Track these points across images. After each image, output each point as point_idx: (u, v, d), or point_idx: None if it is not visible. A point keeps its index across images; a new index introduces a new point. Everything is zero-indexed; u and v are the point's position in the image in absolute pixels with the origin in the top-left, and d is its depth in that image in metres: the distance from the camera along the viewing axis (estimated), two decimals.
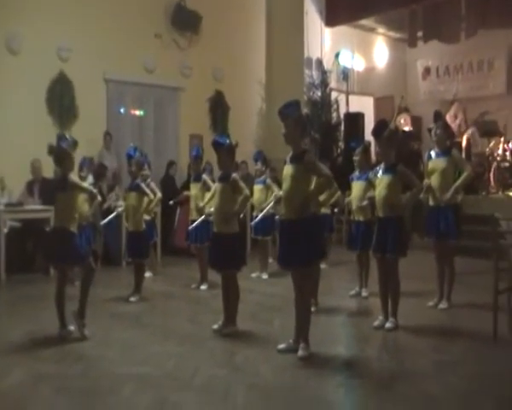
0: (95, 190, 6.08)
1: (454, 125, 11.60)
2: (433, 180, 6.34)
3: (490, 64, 14.81)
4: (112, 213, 8.31)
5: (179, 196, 8.57)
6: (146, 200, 7.24)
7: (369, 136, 12.36)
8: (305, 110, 11.60)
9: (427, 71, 15.92)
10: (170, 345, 5.24)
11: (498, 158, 11.15)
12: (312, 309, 5.65)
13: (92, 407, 3.97)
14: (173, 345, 5.24)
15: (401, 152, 5.85)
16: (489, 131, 11.53)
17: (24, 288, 7.88)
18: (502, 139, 11.36)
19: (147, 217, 7.73)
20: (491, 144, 11.51)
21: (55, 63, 10.31)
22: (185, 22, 11.90)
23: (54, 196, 5.57)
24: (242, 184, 5.63)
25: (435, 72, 15.80)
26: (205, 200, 7.54)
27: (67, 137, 5.68)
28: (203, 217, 7.35)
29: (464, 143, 11.83)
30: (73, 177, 5.60)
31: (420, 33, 14.73)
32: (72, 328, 5.48)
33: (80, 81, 10.47)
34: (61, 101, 10.37)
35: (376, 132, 5.72)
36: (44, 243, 6.86)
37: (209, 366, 4.68)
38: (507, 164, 11.04)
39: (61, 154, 5.47)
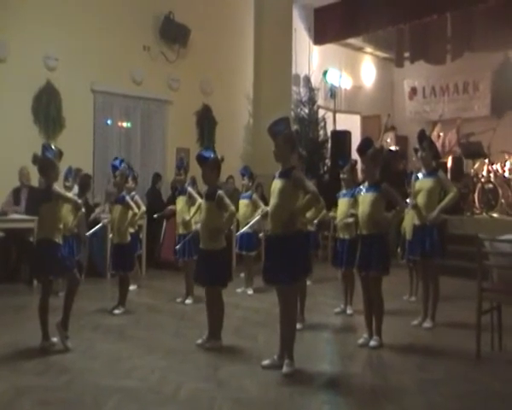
0: (79, 201, 6.04)
1: (438, 145, 11.69)
2: (419, 200, 6.38)
3: (475, 86, 15.00)
4: (98, 224, 8.28)
5: (164, 210, 8.54)
6: (131, 213, 7.20)
7: (355, 154, 12.50)
8: (295, 127, 11.68)
9: (413, 91, 16.08)
10: (154, 358, 5.21)
11: (483, 179, 11.26)
12: (299, 326, 5.67)
13: None
14: (157, 359, 5.21)
15: (387, 171, 5.88)
16: (474, 152, 11.63)
17: (7, 298, 7.79)
18: (486, 161, 11.48)
19: (131, 230, 7.69)
20: (476, 166, 11.63)
21: (42, 72, 10.25)
22: (174, 35, 11.91)
23: (38, 206, 5.53)
24: (228, 201, 5.60)
25: (421, 92, 15.97)
26: (191, 213, 7.55)
27: (53, 147, 5.66)
28: (191, 235, 7.34)
29: (450, 164, 11.95)
30: (57, 187, 5.56)
31: (407, 54, 14.92)
32: (55, 340, 5.43)
33: (67, 91, 10.42)
34: (48, 110, 10.29)
35: (361, 149, 5.76)
36: (29, 254, 6.79)
37: (193, 380, 4.66)
38: (491, 185, 11.14)
39: (46, 163, 5.44)
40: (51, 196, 5.40)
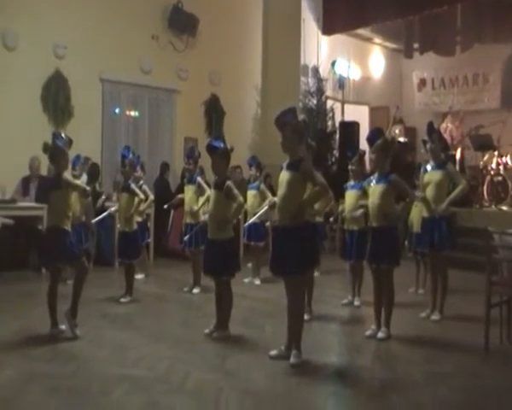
0: (88, 188, 6.05)
1: (446, 137, 11.63)
2: (428, 192, 6.34)
3: (485, 78, 14.87)
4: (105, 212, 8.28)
5: (173, 199, 8.53)
6: (137, 200, 7.20)
7: (363, 145, 12.44)
8: (302, 116, 11.63)
9: (422, 82, 15.96)
10: (161, 348, 5.23)
11: (492, 172, 11.21)
12: (306, 317, 5.65)
13: (82, 408, 3.93)
14: (165, 348, 5.23)
15: (396, 163, 5.85)
16: (483, 144, 11.56)
17: (16, 285, 7.84)
18: (495, 153, 11.42)
19: (139, 218, 7.70)
20: (485, 158, 11.56)
21: (51, 60, 10.26)
22: (182, 25, 11.89)
23: (47, 194, 5.55)
24: (236, 192, 5.57)
25: (431, 84, 15.85)
26: (199, 203, 7.53)
27: (63, 135, 5.68)
28: (199, 226, 7.33)
29: (458, 156, 11.90)
30: (67, 175, 5.59)
31: (416, 45, 14.82)
32: (63, 327, 5.46)
33: (76, 79, 10.43)
34: (57, 99, 10.30)
35: (371, 139, 5.73)
36: (38, 242, 6.80)
37: (201, 369, 4.67)
38: (500, 178, 11.09)
39: (56, 151, 5.47)
40: (61, 183, 5.43)
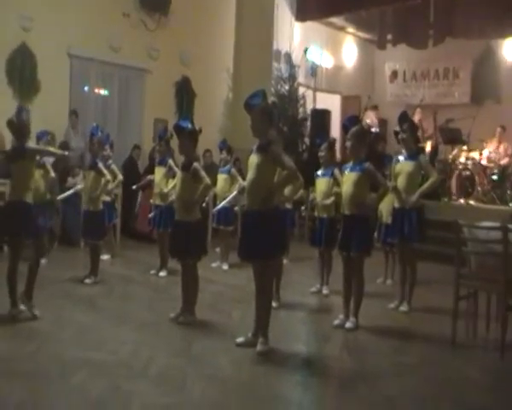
0: (67, 153, 5.86)
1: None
2: (399, 182, 6.31)
3: (455, 73, 14.97)
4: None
5: (142, 180, 8.35)
6: (103, 181, 7.02)
7: (334, 133, 12.41)
8: (271, 98, 11.51)
9: (394, 74, 15.97)
10: (125, 331, 5.11)
11: (460, 166, 11.28)
12: (274, 305, 5.58)
13: (40, 394, 3.78)
14: (129, 331, 5.11)
15: (368, 153, 5.78)
16: (452, 138, 11.63)
17: None
18: (465, 148, 11.50)
19: (107, 198, 7.55)
20: (454, 152, 11.63)
21: (18, 33, 9.91)
22: (154, 3, 11.67)
23: (9, 166, 5.37)
24: (203, 173, 5.48)
25: (402, 76, 15.87)
26: (169, 186, 7.39)
27: (26, 108, 5.52)
28: (165, 205, 7.23)
29: (428, 149, 11.94)
30: (31, 144, 5.42)
31: (389, 36, 14.80)
32: (23, 307, 5.29)
33: (43, 54, 10.11)
34: (22, 72, 9.99)
35: (347, 125, 5.66)
36: None
37: (165, 354, 4.58)
38: (468, 173, 11.17)
39: (22, 127, 5.31)
40: (25, 153, 5.25)
